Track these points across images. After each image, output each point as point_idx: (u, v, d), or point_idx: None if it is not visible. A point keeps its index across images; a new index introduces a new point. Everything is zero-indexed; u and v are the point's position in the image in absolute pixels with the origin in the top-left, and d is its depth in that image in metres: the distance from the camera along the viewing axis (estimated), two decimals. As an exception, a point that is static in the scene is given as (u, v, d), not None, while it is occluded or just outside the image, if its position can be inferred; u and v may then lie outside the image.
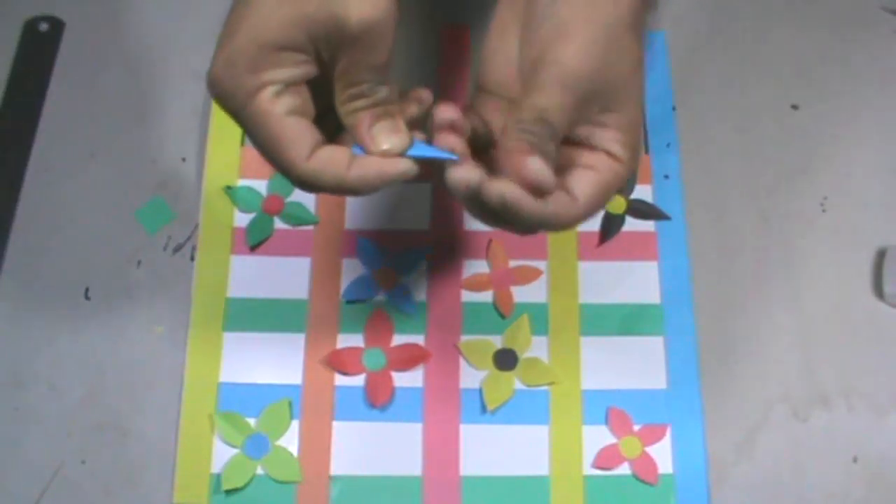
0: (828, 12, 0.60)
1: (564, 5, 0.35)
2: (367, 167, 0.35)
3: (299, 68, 0.34)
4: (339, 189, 0.35)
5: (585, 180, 0.36)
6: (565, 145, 0.36)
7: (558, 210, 0.35)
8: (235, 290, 0.52)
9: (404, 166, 0.35)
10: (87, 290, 0.52)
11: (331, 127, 0.36)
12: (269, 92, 0.34)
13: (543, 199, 0.34)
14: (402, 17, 0.35)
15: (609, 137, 0.36)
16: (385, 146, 0.35)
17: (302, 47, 0.34)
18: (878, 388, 0.50)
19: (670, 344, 0.51)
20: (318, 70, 0.35)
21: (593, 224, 0.53)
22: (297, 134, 0.35)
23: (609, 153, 0.36)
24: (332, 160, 0.35)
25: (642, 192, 0.54)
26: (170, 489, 0.47)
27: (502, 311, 0.51)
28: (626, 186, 0.54)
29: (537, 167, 0.33)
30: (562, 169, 0.36)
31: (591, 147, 0.36)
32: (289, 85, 0.34)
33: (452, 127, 0.35)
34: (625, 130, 0.36)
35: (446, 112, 0.35)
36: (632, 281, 0.52)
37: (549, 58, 0.34)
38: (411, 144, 0.36)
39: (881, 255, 0.53)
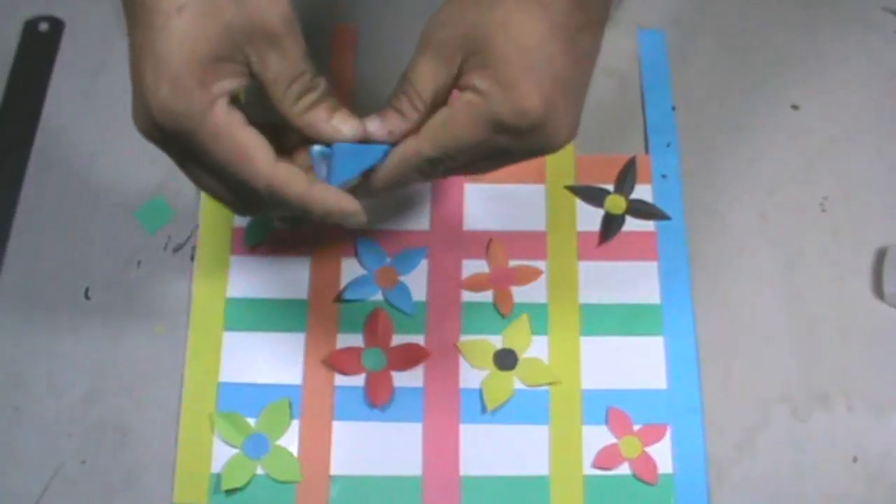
0: (828, 12, 0.60)
1: None
2: (325, 194, 0.36)
3: (237, 79, 0.35)
4: (300, 200, 0.35)
5: (434, 115, 0.36)
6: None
7: (391, 128, 0.36)
8: (235, 290, 0.52)
9: (361, 215, 0.36)
10: (87, 290, 0.52)
11: None
12: (222, 104, 0.34)
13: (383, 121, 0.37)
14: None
15: (476, 73, 0.35)
16: (349, 134, 0.36)
17: (235, 56, 0.34)
18: (878, 388, 0.50)
19: (670, 344, 0.51)
20: (251, 79, 0.35)
21: (593, 224, 0.53)
22: (260, 142, 0.35)
23: (474, 88, 0.35)
24: (295, 172, 0.35)
25: (642, 192, 0.54)
26: (170, 489, 0.47)
27: (502, 311, 0.51)
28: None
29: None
30: None
31: (463, 86, 0.36)
32: (235, 96, 0.35)
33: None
34: (488, 66, 0.35)
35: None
36: (632, 281, 0.52)
37: None
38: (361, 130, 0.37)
39: (881, 255, 0.53)
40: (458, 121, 0.35)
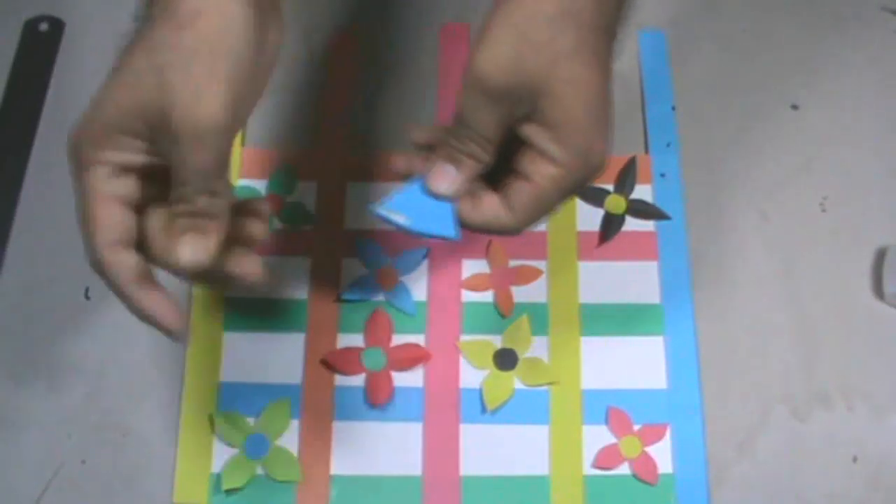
0: (828, 12, 0.60)
1: (495, 4, 0.35)
2: (147, 299, 0.35)
3: (136, 156, 0.34)
4: (115, 289, 0.35)
5: (521, 192, 0.36)
6: (520, 145, 0.37)
7: (489, 219, 0.37)
8: (235, 290, 0.52)
9: (179, 335, 0.36)
10: (87, 290, 0.52)
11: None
12: (103, 170, 0.34)
13: (476, 207, 0.37)
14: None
15: (546, 136, 0.35)
16: (182, 259, 0.34)
17: (138, 134, 0.33)
18: (878, 388, 0.50)
19: (670, 344, 0.51)
20: (157, 160, 0.34)
21: (593, 224, 0.53)
22: (111, 222, 0.34)
23: (545, 155, 0.35)
24: (125, 265, 0.34)
25: (642, 191, 0.54)
26: (170, 489, 0.47)
27: (502, 311, 0.51)
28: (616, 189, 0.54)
29: (435, 180, 0.37)
30: (515, 172, 0.37)
31: (536, 149, 0.36)
32: (126, 169, 0.34)
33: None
34: (558, 127, 0.35)
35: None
36: (632, 281, 0.52)
37: (469, 60, 0.35)
38: (207, 263, 0.34)
39: (881, 255, 0.53)
40: (546, 197, 0.36)
